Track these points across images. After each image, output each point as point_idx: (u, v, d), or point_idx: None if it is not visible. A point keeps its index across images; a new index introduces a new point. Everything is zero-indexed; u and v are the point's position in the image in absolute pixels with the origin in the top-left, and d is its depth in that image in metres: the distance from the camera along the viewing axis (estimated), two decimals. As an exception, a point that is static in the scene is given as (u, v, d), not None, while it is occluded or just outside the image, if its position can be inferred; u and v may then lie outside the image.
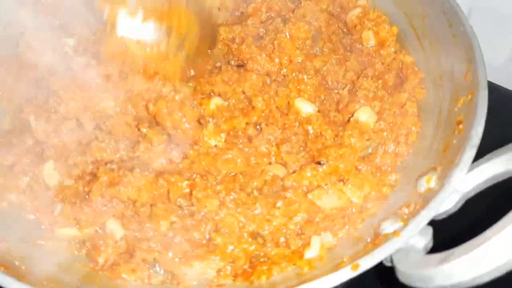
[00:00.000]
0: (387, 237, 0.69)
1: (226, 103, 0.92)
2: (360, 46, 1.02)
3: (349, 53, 1.02)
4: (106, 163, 0.84)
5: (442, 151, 0.82)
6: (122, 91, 0.89)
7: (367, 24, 1.01)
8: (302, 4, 1.02)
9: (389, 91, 0.94)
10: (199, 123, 0.88)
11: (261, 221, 0.78)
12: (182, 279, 0.75)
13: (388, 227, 0.72)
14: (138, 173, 0.80)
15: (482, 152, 0.75)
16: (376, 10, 1.05)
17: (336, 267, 0.68)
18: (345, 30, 1.06)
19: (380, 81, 0.93)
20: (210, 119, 0.89)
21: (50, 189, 0.84)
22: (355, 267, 0.64)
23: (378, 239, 0.72)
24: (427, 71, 0.95)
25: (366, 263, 0.65)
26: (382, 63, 0.97)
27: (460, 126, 0.81)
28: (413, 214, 0.71)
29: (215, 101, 0.91)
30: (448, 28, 0.92)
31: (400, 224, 0.71)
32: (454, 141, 0.80)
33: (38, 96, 0.91)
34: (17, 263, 0.73)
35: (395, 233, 0.68)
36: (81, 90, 0.87)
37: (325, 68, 0.96)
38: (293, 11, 1.01)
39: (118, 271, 0.76)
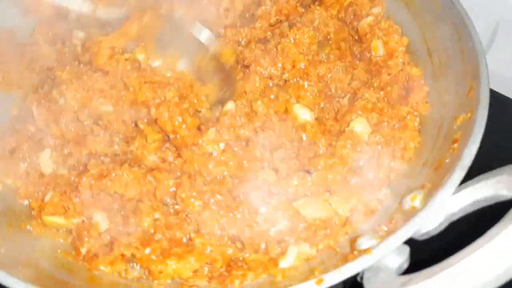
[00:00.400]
0: (360, 254, 0.68)
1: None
2: (369, 55, 1.00)
3: (358, 61, 1.00)
4: (100, 156, 0.86)
5: (434, 169, 0.79)
6: (126, 101, 0.91)
7: (377, 33, 0.99)
8: (311, 8, 1.00)
9: (391, 103, 0.91)
10: (199, 129, 0.88)
11: (242, 226, 0.78)
12: (157, 277, 0.76)
13: (364, 243, 0.71)
14: (127, 168, 0.81)
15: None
16: (389, 19, 1.02)
17: (305, 279, 0.67)
18: (356, 37, 1.04)
19: (382, 92, 0.91)
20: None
21: (45, 176, 0.86)
22: (320, 281, 0.64)
23: (352, 254, 0.70)
24: (433, 85, 0.92)
25: (331, 279, 0.64)
26: (389, 74, 0.95)
27: (455, 145, 0.79)
28: (389, 232, 0.69)
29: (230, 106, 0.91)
30: (457, 42, 0.90)
31: (374, 241, 0.69)
32: (447, 160, 0.78)
33: (44, 86, 0.93)
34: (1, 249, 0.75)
35: (368, 250, 0.67)
36: (83, 89, 0.89)
37: (329, 75, 0.95)
38: (301, 16, 1.00)
39: (96, 263, 0.77)
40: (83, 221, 0.82)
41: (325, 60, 0.97)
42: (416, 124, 0.89)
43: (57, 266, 0.78)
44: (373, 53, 0.99)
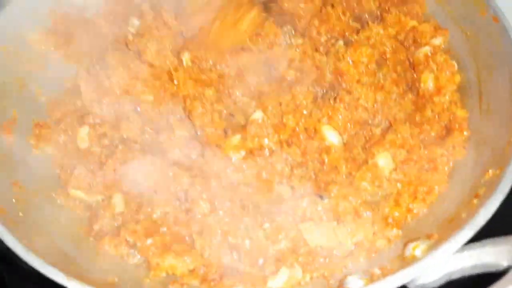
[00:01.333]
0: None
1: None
2: (418, 86, 0.96)
3: (408, 91, 0.97)
4: (130, 142, 0.90)
5: (448, 221, 0.76)
6: (168, 93, 0.94)
7: (431, 65, 0.95)
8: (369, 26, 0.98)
9: (426, 142, 0.88)
10: (224, 132, 0.90)
11: (243, 237, 0.79)
12: (154, 268, 0.79)
13: (351, 282, 0.70)
14: (149, 158, 0.85)
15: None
16: (448, 52, 0.97)
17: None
18: (411, 62, 1.00)
19: (418, 129, 0.88)
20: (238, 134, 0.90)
21: (79, 151, 0.92)
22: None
23: (337, 291, 0.70)
24: (475, 131, 0.88)
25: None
26: (432, 111, 0.91)
27: (475, 200, 0.75)
28: (380, 276, 0.68)
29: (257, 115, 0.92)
30: (509, 90, 0.84)
31: (362, 283, 0.68)
32: (463, 215, 0.74)
33: (96, 66, 0.99)
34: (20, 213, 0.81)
35: (352, 291, 0.66)
36: (128, 76, 0.94)
37: (379, 100, 0.92)
38: (358, 33, 0.98)
39: (103, 242, 0.82)
40: (102, 200, 0.87)
41: (383, 81, 0.95)
42: (447, 168, 0.85)
43: (67, 238, 0.83)
44: (422, 85, 0.95)
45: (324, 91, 0.97)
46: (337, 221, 0.81)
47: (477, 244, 0.69)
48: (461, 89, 0.94)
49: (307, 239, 0.80)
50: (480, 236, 0.71)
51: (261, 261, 0.79)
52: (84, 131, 0.92)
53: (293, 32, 1.03)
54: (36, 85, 1.02)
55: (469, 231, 0.69)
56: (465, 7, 0.97)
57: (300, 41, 0.99)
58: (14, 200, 0.83)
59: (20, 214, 0.81)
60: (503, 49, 0.88)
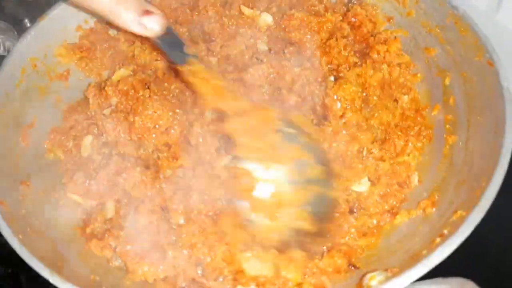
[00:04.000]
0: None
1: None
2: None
3: None
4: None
5: (409, 257, 0.78)
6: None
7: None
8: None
9: None
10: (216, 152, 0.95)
11: (205, 254, 0.84)
12: (131, 272, 0.85)
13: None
14: (138, 172, 0.91)
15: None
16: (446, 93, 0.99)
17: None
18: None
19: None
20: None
21: (82, 158, 1.00)
22: None
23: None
24: (457, 171, 0.89)
25: None
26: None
27: (438, 239, 0.77)
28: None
29: None
30: (493, 136, 0.85)
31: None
32: (424, 252, 0.76)
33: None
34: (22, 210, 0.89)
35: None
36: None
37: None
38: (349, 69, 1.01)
39: (91, 244, 0.89)
40: (97, 205, 0.94)
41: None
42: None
43: (62, 237, 0.91)
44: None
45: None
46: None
47: (426, 281, 0.70)
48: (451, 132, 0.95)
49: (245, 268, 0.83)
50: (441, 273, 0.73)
51: (220, 279, 0.83)
52: (88, 140, 1.00)
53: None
54: (57, 93, 1.12)
55: (423, 268, 0.71)
56: (465, 49, 0.98)
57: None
58: (20, 198, 0.91)
59: (23, 211, 0.89)
60: (493, 93, 0.89)
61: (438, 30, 1.04)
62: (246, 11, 1.10)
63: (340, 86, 0.96)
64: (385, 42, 1.07)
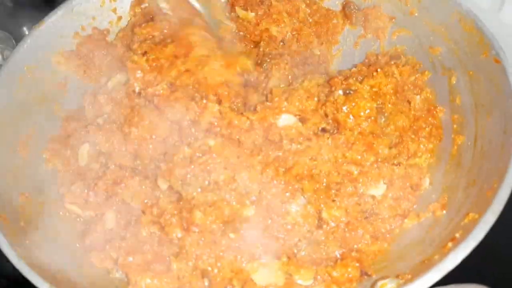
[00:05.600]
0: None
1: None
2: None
3: None
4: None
5: (421, 262, 0.76)
6: None
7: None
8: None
9: None
10: None
11: (211, 264, 0.82)
12: (133, 285, 0.83)
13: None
14: (136, 181, 0.89)
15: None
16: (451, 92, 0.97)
17: None
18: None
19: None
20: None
21: (79, 167, 0.98)
22: None
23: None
24: (467, 172, 0.87)
25: None
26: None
27: (450, 244, 0.74)
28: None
29: None
30: (501, 135, 0.83)
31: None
32: (436, 257, 0.74)
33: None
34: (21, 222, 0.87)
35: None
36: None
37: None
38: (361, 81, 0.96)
39: (90, 255, 0.87)
40: (96, 215, 0.92)
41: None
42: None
43: (62, 249, 0.88)
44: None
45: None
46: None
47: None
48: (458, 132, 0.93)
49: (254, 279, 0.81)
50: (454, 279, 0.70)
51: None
52: (85, 149, 0.98)
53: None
54: (55, 102, 1.10)
55: (437, 273, 0.69)
56: (470, 47, 0.96)
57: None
58: (18, 210, 0.88)
59: (22, 223, 0.87)
60: (501, 91, 0.87)
61: (442, 29, 1.01)
62: (241, 13, 1.09)
63: (352, 101, 0.91)
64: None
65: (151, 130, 0.91)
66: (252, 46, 1.09)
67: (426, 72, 1.00)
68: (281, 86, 0.96)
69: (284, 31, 1.09)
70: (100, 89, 1.04)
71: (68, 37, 1.14)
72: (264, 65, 1.01)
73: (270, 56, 1.03)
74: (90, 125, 0.99)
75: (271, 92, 0.93)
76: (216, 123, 0.89)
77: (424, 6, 1.05)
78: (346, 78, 0.97)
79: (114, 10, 1.17)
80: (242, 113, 0.90)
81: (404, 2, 1.08)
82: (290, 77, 1.00)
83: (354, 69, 1.00)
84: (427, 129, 0.93)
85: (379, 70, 0.96)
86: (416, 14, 1.07)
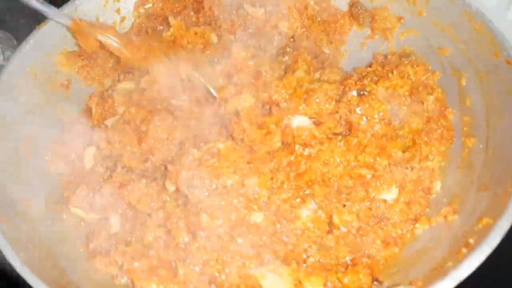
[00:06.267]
0: None
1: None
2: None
3: None
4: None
5: (432, 268, 0.74)
6: None
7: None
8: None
9: None
10: None
11: (219, 269, 0.80)
12: (139, 290, 0.81)
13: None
14: (144, 183, 0.87)
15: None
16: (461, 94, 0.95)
17: None
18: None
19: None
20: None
21: (84, 170, 0.96)
22: None
23: None
24: (478, 176, 0.85)
25: None
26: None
27: (465, 249, 0.73)
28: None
29: None
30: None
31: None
32: (449, 264, 0.72)
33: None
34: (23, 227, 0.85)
35: None
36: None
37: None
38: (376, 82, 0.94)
39: (95, 260, 0.85)
40: (100, 219, 0.90)
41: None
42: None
43: (66, 254, 0.86)
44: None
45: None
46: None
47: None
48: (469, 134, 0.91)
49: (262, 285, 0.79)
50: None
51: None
52: (91, 151, 0.96)
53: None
54: (58, 103, 1.08)
55: (452, 281, 0.67)
56: (480, 48, 0.94)
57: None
58: (20, 214, 0.87)
59: (24, 227, 0.85)
60: (513, 92, 0.85)
61: (451, 29, 0.99)
62: (250, 10, 1.07)
63: (366, 103, 0.90)
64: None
65: (169, 132, 0.90)
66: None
67: (437, 72, 0.98)
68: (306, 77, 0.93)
69: (294, 26, 1.08)
70: (106, 90, 1.02)
71: (71, 37, 1.12)
72: (286, 57, 0.99)
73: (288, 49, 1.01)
74: (96, 127, 0.97)
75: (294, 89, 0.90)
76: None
77: (432, 6, 1.03)
78: (360, 79, 0.95)
79: (118, 11, 1.15)
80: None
81: (412, 3, 1.06)
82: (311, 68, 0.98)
83: (369, 68, 0.98)
84: (438, 131, 0.91)
85: (395, 72, 0.94)
86: (424, 15, 1.05)
